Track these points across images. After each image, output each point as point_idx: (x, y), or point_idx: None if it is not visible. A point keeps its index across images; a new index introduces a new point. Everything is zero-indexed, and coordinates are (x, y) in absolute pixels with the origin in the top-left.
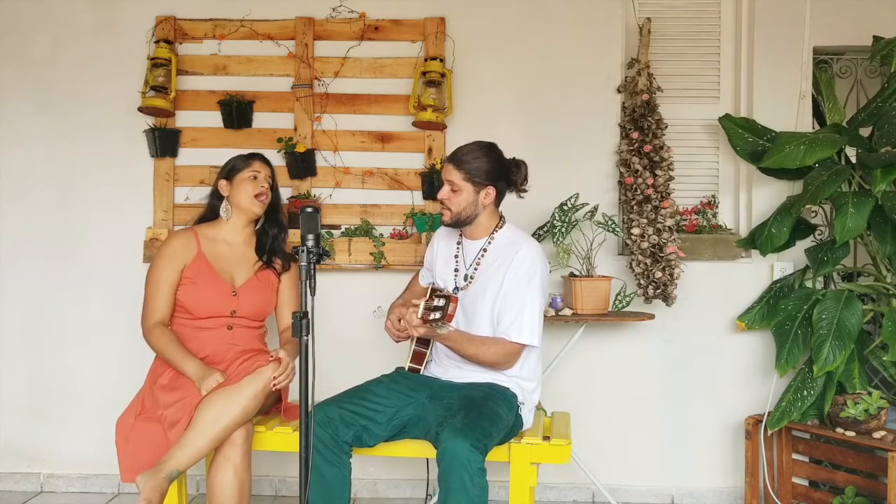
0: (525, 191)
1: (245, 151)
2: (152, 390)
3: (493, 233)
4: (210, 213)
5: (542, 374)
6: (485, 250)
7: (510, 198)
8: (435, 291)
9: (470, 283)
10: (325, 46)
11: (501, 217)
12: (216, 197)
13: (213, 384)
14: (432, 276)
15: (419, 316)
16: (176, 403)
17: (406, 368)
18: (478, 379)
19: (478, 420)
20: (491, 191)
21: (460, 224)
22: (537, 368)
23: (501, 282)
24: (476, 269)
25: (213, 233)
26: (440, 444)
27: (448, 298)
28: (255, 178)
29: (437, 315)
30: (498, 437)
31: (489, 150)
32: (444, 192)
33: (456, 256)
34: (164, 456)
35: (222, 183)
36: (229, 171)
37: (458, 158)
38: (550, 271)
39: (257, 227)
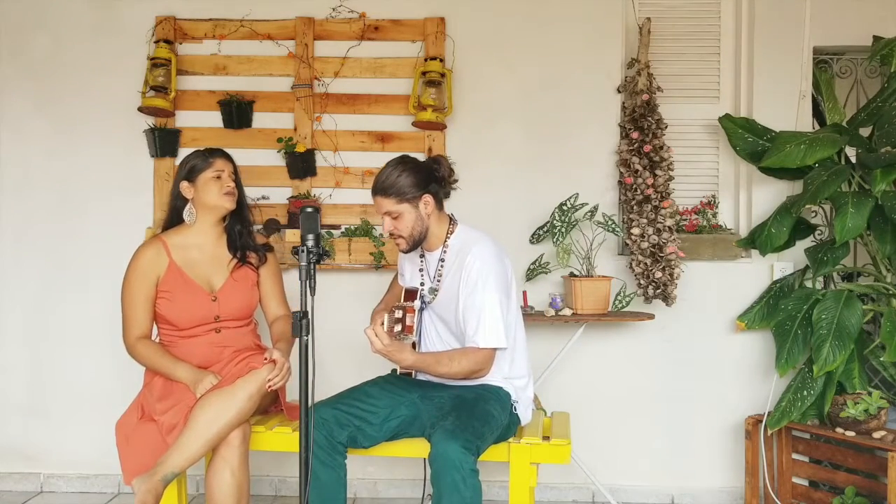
0: (454, 183)
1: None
2: (148, 399)
3: (446, 240)
4: (175, 217)
5: (542, 374)
6: (442, 260)
7: (507, 200)
8: (414, 299)
9: (436, 295)
10: (325, 46)
11: (451, 220)
12: (179, 199)
13: (207, 386)
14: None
15: (385, 329)
16: (171, 409)
17: (398, 372)
18: (469, 380)
19: (469, 421)
20: (428, 198)
21: (419, 244)
22: (526, 364)
23: (458, 290)
24: (439, 280)
25: (181, 239)
26: (432, 446)
27: (404, 309)
28: (219, 177)
29: (398, 328)
30: (491, 438)
31: (403, 163)
32: (387, 225)
33: (421, 270)
34: (160, 458)
35: (184, 185)
36: (189, 171)
37: (381, 187)
38: (550, 271)
39: (225, 223)
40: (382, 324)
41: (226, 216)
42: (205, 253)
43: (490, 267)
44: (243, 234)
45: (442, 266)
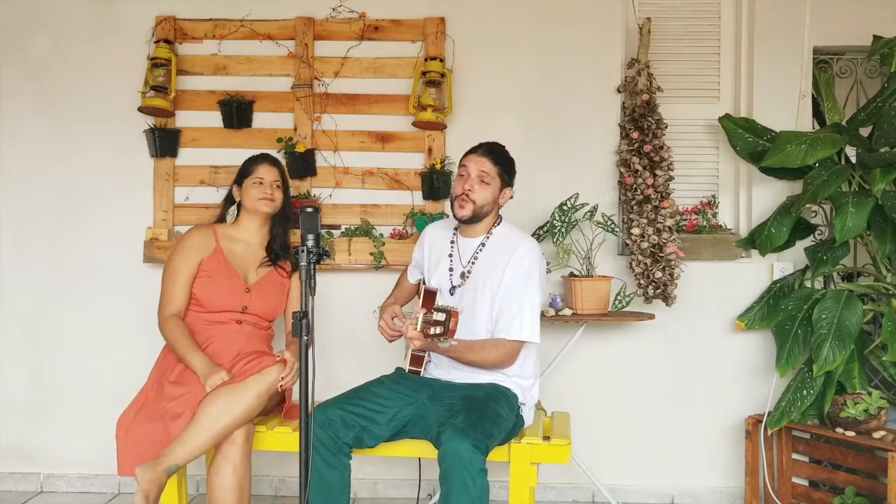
0: (510, 197)
1: (256, 151)
2: (160, 382)
3: (491, 229)
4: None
5: (542, 374)
6: (483, 245)
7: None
8: (434, 301)
9: (466, 279)
10: (325, 46)
11: (500, 216)
12: (230, 199)
13: (217, 381)
14: (422, 273)
15: (418, 329)
16: (181, 397)
17: (406, 370)
18: (478, 380)
19: (479, 420)
20: (509, 192)
21: (476, 220)
22: (535, 367)
23: (501, 278)
24: (472, 265)
25: (231, 232)
26: (442, 445)
27: (449, 313)
28: (259, 183)
29: (439, 330)
30: (499, 438)
31: (511, 156)
32: (472, 183)
33: (450, 255)
34: (165, 450)
35: (234, 188)
36: (240, 175)
37: (494, 151)
38: (550, 271)
39: (271, 226)
40: (415, 325)
41: (272, 220)
42: (248, 249)
43: (539, 265)
44: (279, 237)
45: (481, 250)
